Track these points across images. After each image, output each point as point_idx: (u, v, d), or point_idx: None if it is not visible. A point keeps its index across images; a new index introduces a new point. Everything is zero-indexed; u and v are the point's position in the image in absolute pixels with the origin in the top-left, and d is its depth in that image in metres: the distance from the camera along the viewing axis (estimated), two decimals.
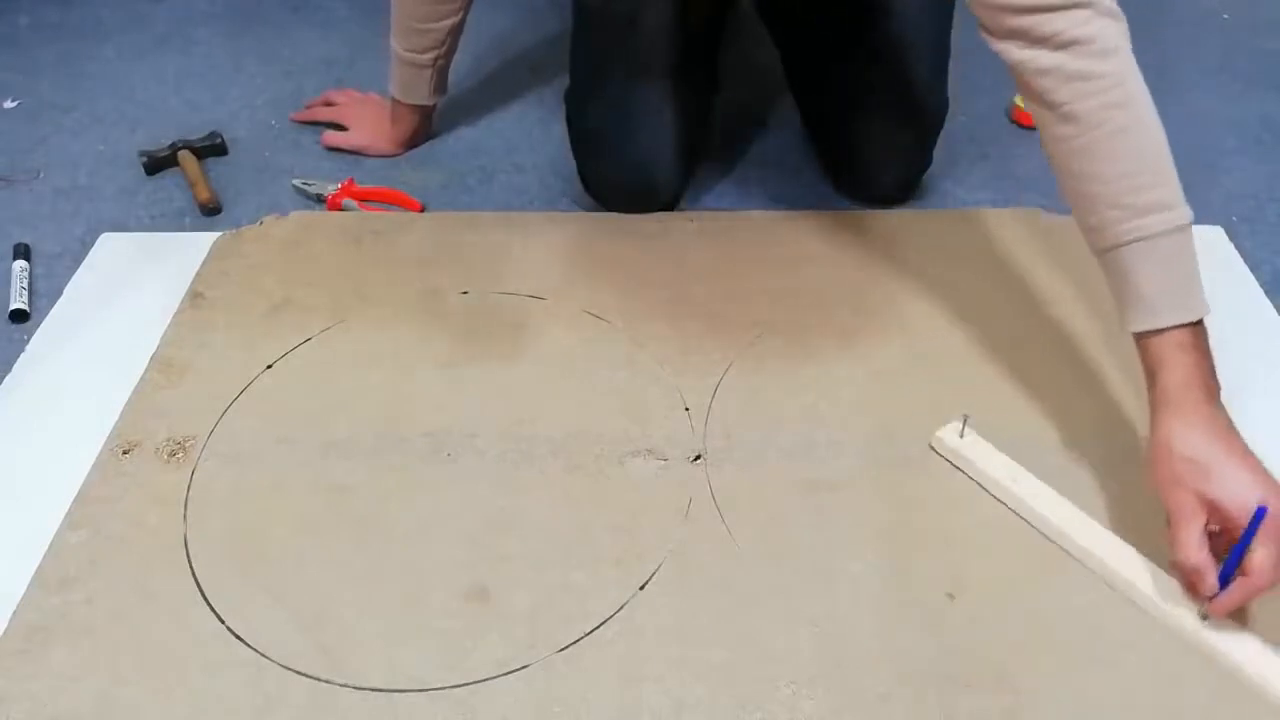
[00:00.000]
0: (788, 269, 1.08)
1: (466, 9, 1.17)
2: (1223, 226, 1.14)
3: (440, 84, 1.25)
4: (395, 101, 1.27)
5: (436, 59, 1.20)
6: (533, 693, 0.72)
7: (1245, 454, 0.73)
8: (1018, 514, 0.83)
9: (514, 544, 0.82)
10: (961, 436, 0.87)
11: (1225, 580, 0.71)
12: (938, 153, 1.23)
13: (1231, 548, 0.71)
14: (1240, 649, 0.72)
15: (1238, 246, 1.11)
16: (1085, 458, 0.88)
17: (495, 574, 0.80)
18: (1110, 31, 0.76)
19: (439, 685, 0.72)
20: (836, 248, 1.11)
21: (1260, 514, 0.69)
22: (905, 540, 0.82)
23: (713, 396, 0.94)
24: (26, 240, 1.16)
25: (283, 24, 1.65)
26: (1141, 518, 0.82)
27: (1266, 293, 1.05)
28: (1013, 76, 0.80)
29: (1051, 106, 0.78)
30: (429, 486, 0.87)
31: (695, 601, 0.78)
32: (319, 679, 0.73)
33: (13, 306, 1.07)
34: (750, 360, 0.98)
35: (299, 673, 0.73)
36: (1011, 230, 1.13)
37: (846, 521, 0.83)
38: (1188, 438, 0.73)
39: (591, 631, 0.76)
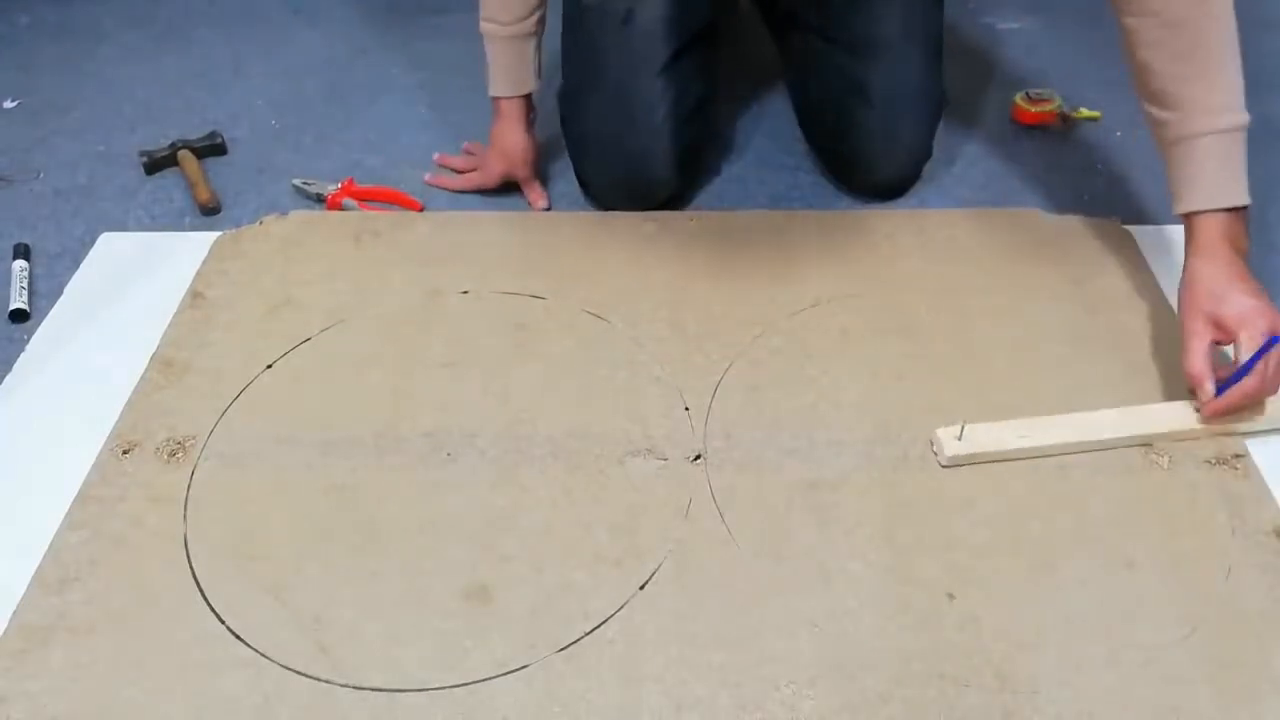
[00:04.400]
0: (788, 269, 1.08)
1: None
2: None
3: (540, 60, 1.15)
4: (500, 110, 1.17)
5: (539, 23, 1.12)
6: (533, 693, 0.72)
7: (1257, 289, 0.88)
8: (1050, 456, 0.87)
9: (514, 544, 0.82)
10: (959, 439, 0.87)
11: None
12: (938, 153, 1.23)
13: (1239, 369, 0.85)
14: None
15: None
16: (1086, 456, 0.87)
17: (495, 574, 0.80)
18: None
19: (439, 685, 0.73)
20: (837, 248, 1.11)
21: (1270, 342, 0.84)
22: (905, 540, 0.82)
23: (713, 396, 0.94)
24: (26, 240, 1.16)
25: (283, 24, 1.65)
26: (1147, 514, 0.83)
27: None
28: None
29: (1152, 11, 0.89)
30: (429, 486, 0.87)
31: (695, 601, 0.78)
32: (319, 679, 0.73)
33: (13, 306, 1.07)
34: (750, 360, 0.98)
35: (299, 673, 0.73)
36: (1011, 230, 1.13)
37: (846, 521, 0.83)
38: (1207, 272, 0.88)
39: (591, 631, 0.76)
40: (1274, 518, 0.83)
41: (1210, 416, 0.87)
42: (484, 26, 1.12)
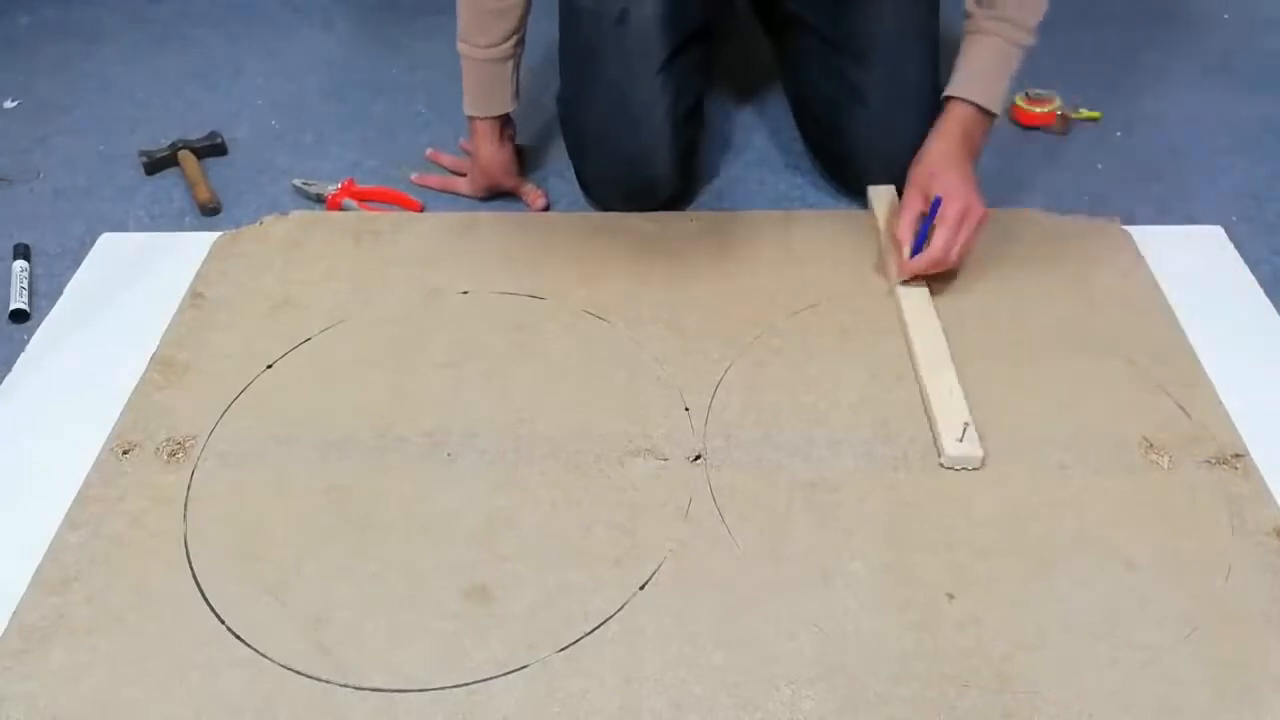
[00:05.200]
0: (788, 269, 1.08)
1: None
2: (1223, 226, 1.14)
3: (518, 81, 1.16)
4: (474, 128, 1.17)
5: (516, 45, 1.12)
6: (533, 693, 0.72)
7: (966, 172, 1.03)
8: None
9: (514, 544, 0.82)
10: (960, 440, 0.87)
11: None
12: None
13: (921, 228, 1.01)
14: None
15: (1238, 246, 1.11)
16: (1086, 456, 0.88)
17: (495, 574, 0.80)
18: None
19: (439, 685, 0.73)
20: (836, 248, 1.11)
21: (936, 203, 1.00)
22: (905, 540, 0.82)
23: (713, 396, 0.94)
24: (26, 240, 1.16)
25: (283, 24, 1.65)
26: (1147, 514, 0.83)
27: (1266, 293, 1.05)
28: None
29: None
30: (429, 486, 0.87)
31: (695, 601, 0.78)
32: (319, 679, 0.73)
33: (13, 306, 1.07)
34: (750, 360, 0.98)
35: (299, 673, 0.73)
36: (1011, 230, 1.13)
37: (846, 521, 0.83)
38: (936, 152, 1.04)
39: (591, 631, 0.76)
40: (1274, 518, 0.83)
41: (906, 275, 1.03)
42: (460, 47, 1.12)
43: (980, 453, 0.86)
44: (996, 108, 1.05)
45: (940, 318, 1.00)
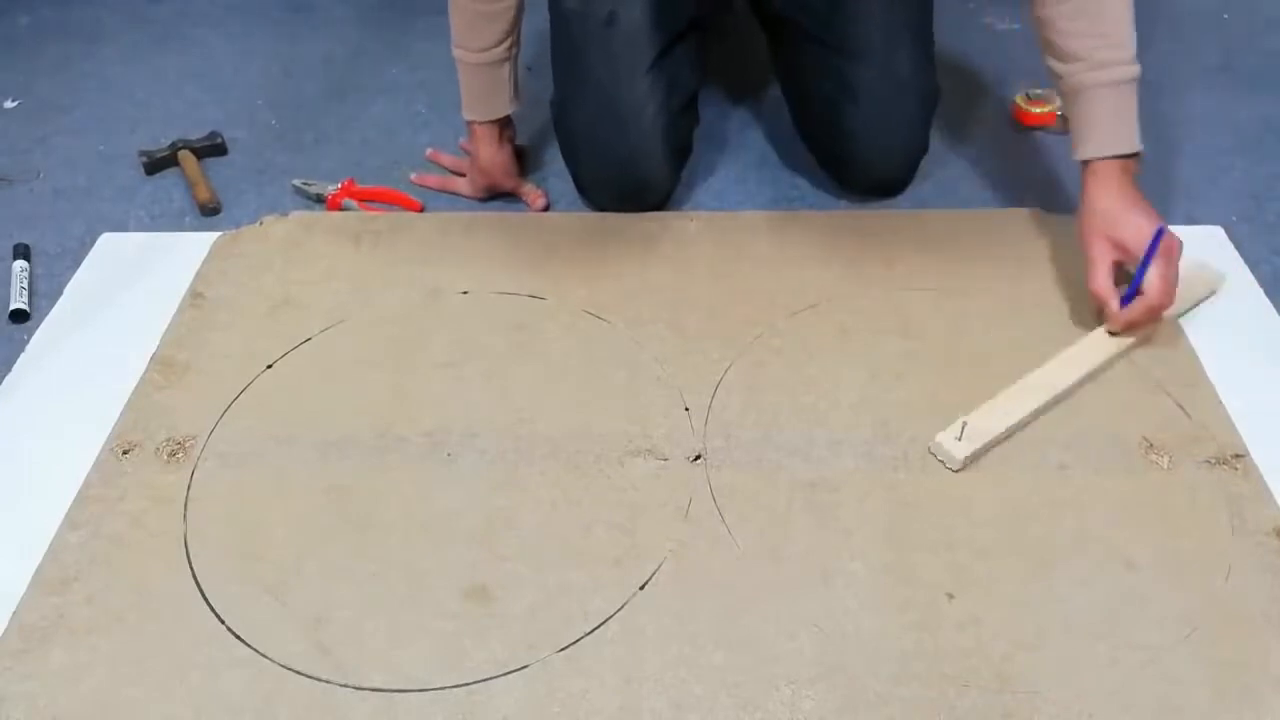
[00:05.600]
0: (788, 269, 1.08)
1: None
2: (1223, 226, 1.14)
3: (517, 83, 1.15)
4: (474, 131, 1.17)
5: (511, 47, 1.11)
6: (533, 693, 0.72)
7: (1147, 206, 0.96)
8: (1040, 408, 0.91)
9: (514, 544, 0.82)
10: (959, 439, 0.87)
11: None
12: (937, 153, 1.23)
13: (1137, 271, 0.92)
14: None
15: (1238, 246, 1.11)
16: (1086, 456, 0.88)
17: (495, 574, 0.80)
18: None
19: (439, 685, 0.73)
20: (836, 248, 1.11)
21: (1158, 235, 0.91)
22: (905, 540, 0.82)
23: (713, 396, 0.94)
24: (26, 240, 1.16)
25: (283, 24, 1.65)
26: (1147, 514, 0.83)
27: (1266, 293, 1.05)
28: None
29: None
30: (429, 486, 0.87)
31: (695, 601, 0.78)
32: (319, 679, 0.73)
33: (13, 306, 1.07)
34: (750, 360, 0.98)
35: (299, 673, 0.73)
36: (1011, 230, 1.13)
37: (846, 521, 0.83)
38: (1103, 200, 0.97)
39: (591, 631, 0.76)
40: (1274, 518, 0.82)
41: (1120, 329, 0.94)
42: (455, 53, 1.12)
43: (960, 457, 0.86)
44: (1135, 145, 0.98)
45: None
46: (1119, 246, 0.95)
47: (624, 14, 1.08)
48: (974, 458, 0.87)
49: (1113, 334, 0.95)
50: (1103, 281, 0.95)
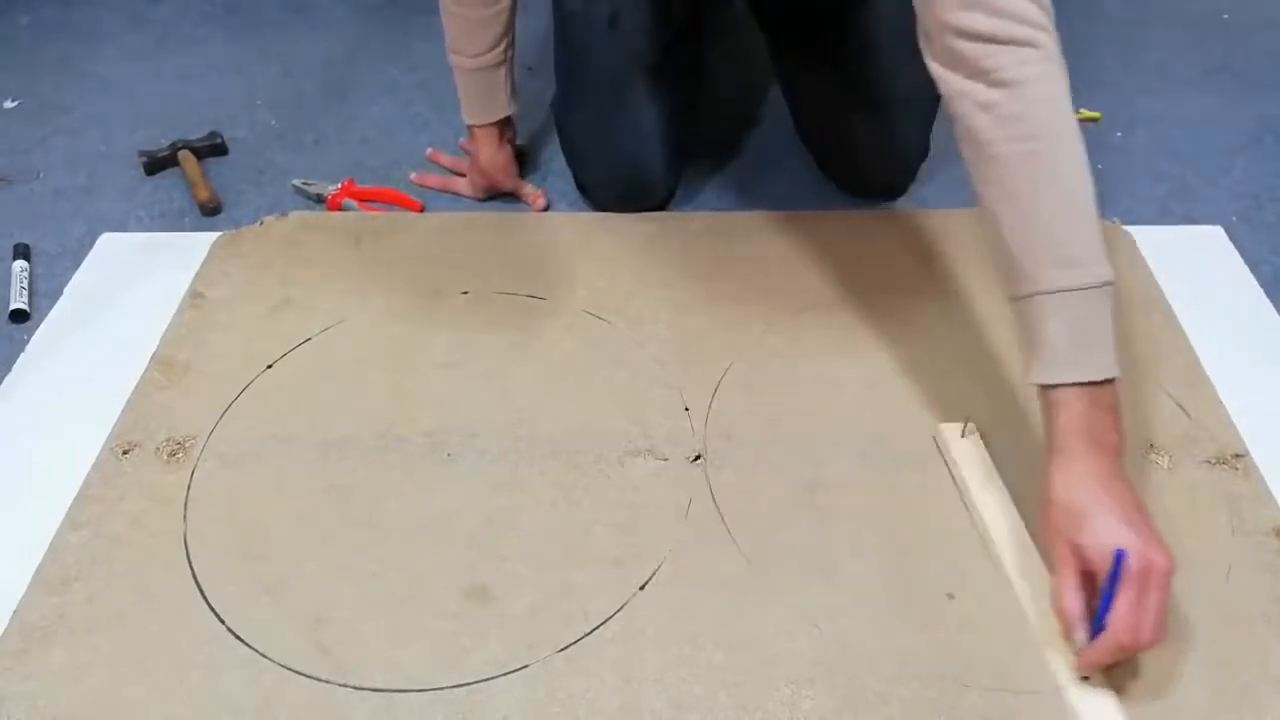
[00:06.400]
0: (788, 269, 1.08)
1: None
2: (1223, 226, 1.14)
3: (514, 84, 1.15)
4: (473, 133, 1.17)
5: (507, 50, 1.11)
6: (533, 693, 0.72)
7: (1122, 502, 0.70)
8: (972, 521, 0.83)
9: (514, 544, 0.82)
10: (963, 436, 0.87)
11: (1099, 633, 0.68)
12: (938, 153, 1.23)
13: (1101, 601, 0.68)
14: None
15: (1238, 246, 1.11)
16: None
17: (495, 574, 0.80)
18: (1054, 75, 0.73)
19: (439, 685, 0.73)
20: (836, 248, 1.11)
21: (1118, 559, 0.67)
22: (905, 540, 0.82)
23: (713, 396, 0.94)
24: (26, 240, 1.16)
25: (283, 24, 1.66)
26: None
27: (1266, 293, 1.05)
28: (946, 107, 0.77)
29: (980, 144, 0.74)
30: (429, 486, 0.87)
31: (695, 601, 0.78)
32: (319, 679, 0.73)
33: (13, 306, 1.07)
34: (750, 360, 0.98)
35: (299, 673, 0.73)
36: None
37: (846, 521, 0.83)
38: (1064, 487, 0.71)
39: (591, 631, 0.76)
40: (1274, 518, 0.83)
41: (1085, 671, 0.71)
42: (451, 59, 1.12)
43: (938, 433, 0.87)
44: (1106, 370, 0.72)
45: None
46: (1082, 556, 0.70)
47: (626, 15, 1.08)
48: (945, 453, 0.88)
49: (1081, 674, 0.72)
50: (1070, 600, 0.70)
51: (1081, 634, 0.69)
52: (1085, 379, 0.72)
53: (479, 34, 1.09)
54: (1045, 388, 0.73)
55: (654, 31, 1.10)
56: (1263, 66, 1.47)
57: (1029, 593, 0.76)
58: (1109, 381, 0.73)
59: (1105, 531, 0.69)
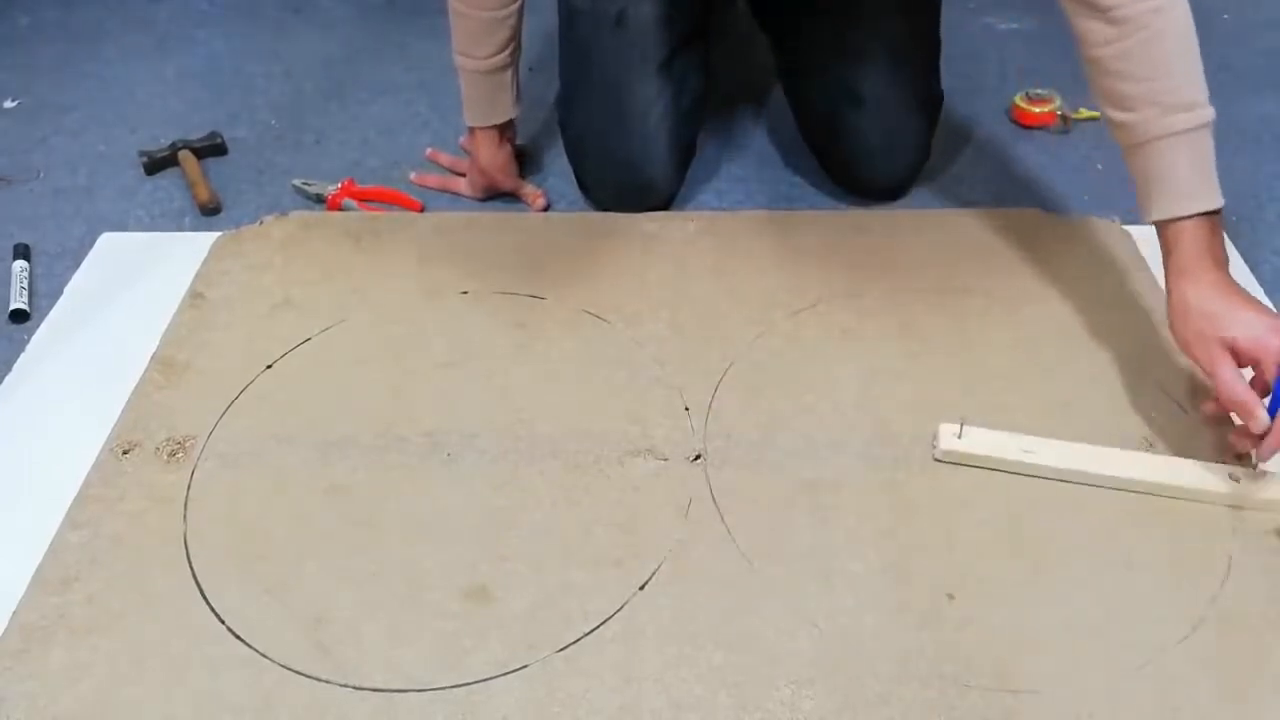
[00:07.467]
0: (788, 269, 1.08)
1: None
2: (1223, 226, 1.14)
3: (518, 86, 1.15)
4: (474, 133, 1.17)
5: (514, 53, 1.11)
6: (533, 693, 0.72)
7: (1255, 304, 0.82)
8: (1048, 479, 0.85)
9: (514, 544, 0.82)
10: (959, 437, 0.87)
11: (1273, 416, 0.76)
12: (938, 152, 1.23)
13: (1275, 384, 0.77)
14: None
15: (1238, 246, 1.11)
16: None
17: (495, 574, 0.80)
18: None
19: (439, 685, 0.72)
20: (836, 248, 1.11)
21: None
22: (905, 540, 0.82)
23: (713, 396, 0.94)
24: (26, 240, 1.16)
25: (283, 24, 1.66)
26: (1145, 516, 0.83)
27: (1267, 292, 1.05)
28: None
29: (1099, 9, 0.83)
30: (429, 486, 0.87)
31: (695, 601, 0.78)
32: (319, 679, 0.73)
33: (13, 306, 1.07)
34: (750, 360, 0.98)
35: (299, 673, 0.73)
36: (1011, 230, 1.13)
37: (846, 521, 0.83)
38: (1201, 295, 0.82)
39: (591, 631, 0.76)
40: (1274, 518, 0.82)
41: (1266, 454, 0.78)
42: (457, 60, 1.11)
43: (944, 448, 0.86)
44: (1217, 200, 0.84)
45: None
46: (1234, 351, 0.80)
47: (633, 14, 1.08)
48: (959, 459, 0.87)
49: (1239, 457, 0.82)
50: (1239, 389, 0.78)
51: (1263, 412, 0.77)
52: (1207, 208, 0.83)
53: (487, 36, 1.09)
54: (1170, 221, 0.84)
55: (661, 31, 1.10)
56: (1263, 66, 1.47)
57: (1187, 465, 0.84)
58: (1219, 210, 0.84)
59: (1252, 323, 0.79)
